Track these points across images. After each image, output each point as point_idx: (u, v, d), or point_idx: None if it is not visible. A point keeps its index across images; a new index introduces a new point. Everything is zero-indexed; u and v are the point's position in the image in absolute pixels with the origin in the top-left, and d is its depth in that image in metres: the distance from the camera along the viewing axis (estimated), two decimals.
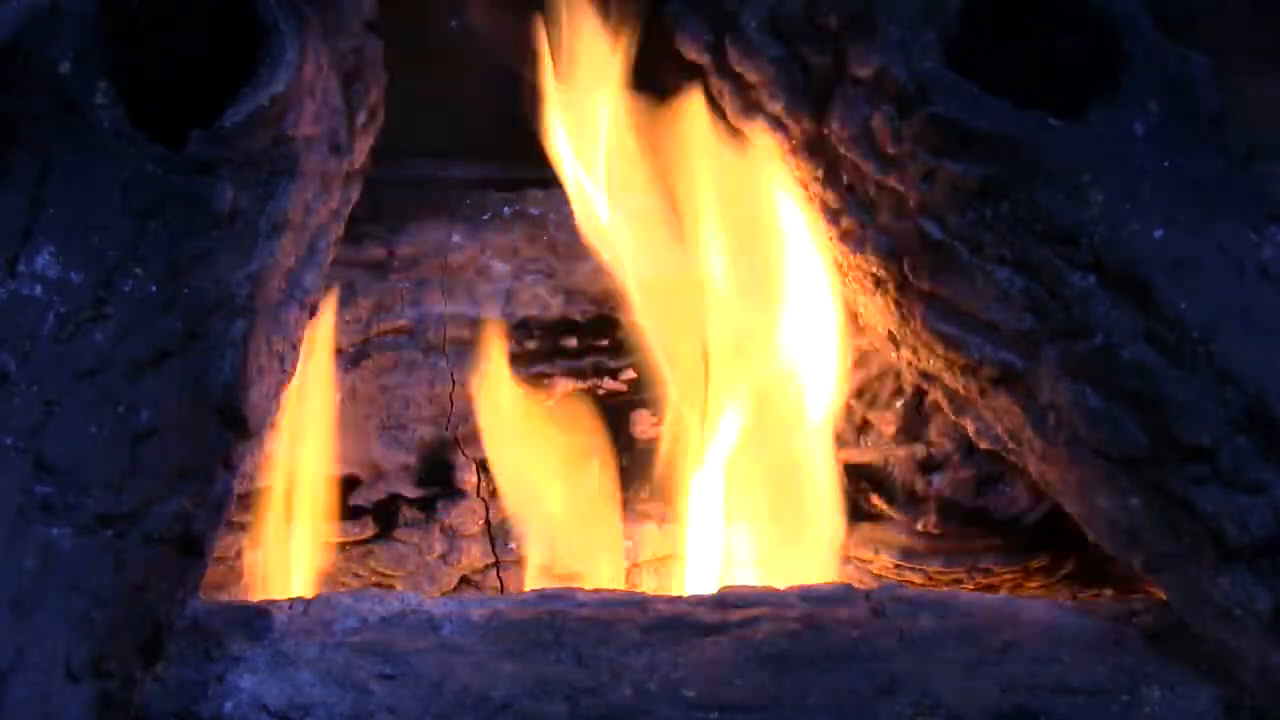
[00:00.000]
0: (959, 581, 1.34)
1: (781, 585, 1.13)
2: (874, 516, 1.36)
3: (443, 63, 1.42)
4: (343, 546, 1.33)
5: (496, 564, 1.35)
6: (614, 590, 1.17)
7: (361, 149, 1.26)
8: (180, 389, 0.98)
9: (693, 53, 1.30)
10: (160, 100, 1.05)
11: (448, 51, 1.43)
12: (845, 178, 1.19)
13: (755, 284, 1.30)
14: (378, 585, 1.33)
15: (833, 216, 1.21)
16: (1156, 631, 1.06)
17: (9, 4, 1.03)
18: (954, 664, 1.03)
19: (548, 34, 1.33)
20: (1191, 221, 1.03)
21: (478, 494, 1.35)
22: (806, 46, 1.21)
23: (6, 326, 0.93)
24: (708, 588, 1.26)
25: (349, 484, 1.34)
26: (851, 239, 1.19)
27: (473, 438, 1.34)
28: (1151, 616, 1.08)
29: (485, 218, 1.41)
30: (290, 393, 1.18)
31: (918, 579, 1.34)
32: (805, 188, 1.24)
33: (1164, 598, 1.06)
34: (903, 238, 1.14)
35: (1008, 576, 1.34)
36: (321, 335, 1.30)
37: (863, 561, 1.36)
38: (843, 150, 1.18)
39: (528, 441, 1.33)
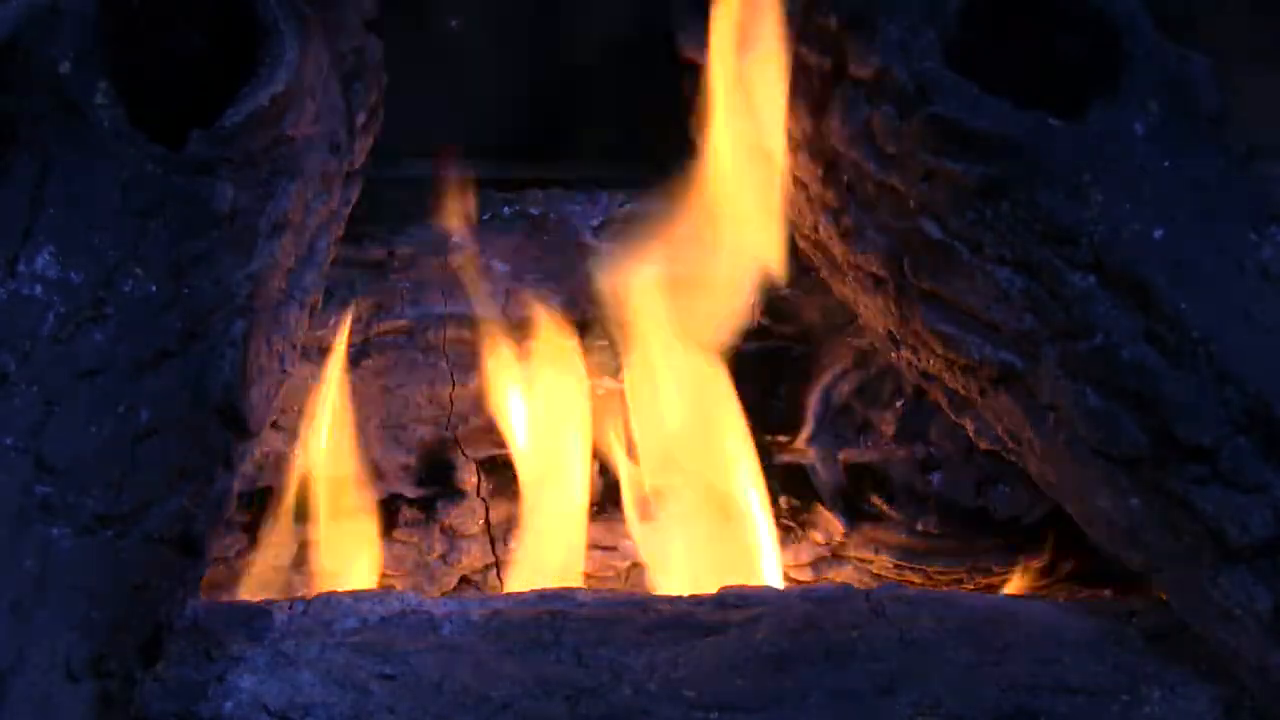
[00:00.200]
0: (959, 581, 1.34)
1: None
2: (874, 516, 1.36)
3: (443, 63, 1.42)
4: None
5: (496, 564, 1.35)
6: (614, 590, 1.17)
7: (361, 149, 1.26)
8: (180, 389, 0.98)
9: (693, 53, 1.30)
10: (160, 100, 1.05)
11: (448, 51, 1.43)
12: (845, 177, 1.19)
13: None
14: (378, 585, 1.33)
15: (833, 216, 1.21)
16: (1156, 631, 1.06)
17: (9, 4, 1.03)
18: (954, 664, 1.03)
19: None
20: (1191, 221, 1.03)
21: (478, 494, 1.35)
22: (806, 46, 1.21)
23: (6, 326, 0.93)
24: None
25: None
26: (851, 238, 1.19)
27: (473, 438, 1.34)
28: (1151, 616, 1.07)
29: (485, 218, 1.41)
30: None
31: (918, 579, 1.34)
32: (805, 187, 1.24)
33: (1164, 598, 1.06)
34: (902, 237, 1.13)
35: (1008, 576, 1.34)
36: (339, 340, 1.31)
37: (863, 561, 1.36)
38: (843, 150, 1.18)
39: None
